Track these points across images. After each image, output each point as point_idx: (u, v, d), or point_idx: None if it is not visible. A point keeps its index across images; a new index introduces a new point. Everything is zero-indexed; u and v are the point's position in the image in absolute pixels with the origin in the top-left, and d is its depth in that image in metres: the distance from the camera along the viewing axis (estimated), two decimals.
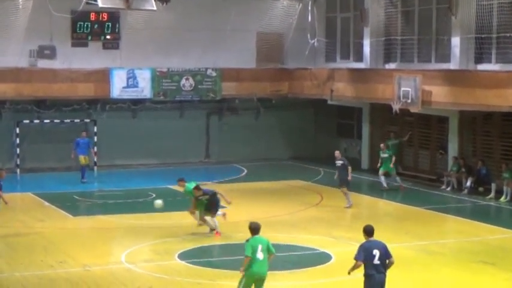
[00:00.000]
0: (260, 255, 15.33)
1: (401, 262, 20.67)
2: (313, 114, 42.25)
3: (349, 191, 28.94)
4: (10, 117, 38.04)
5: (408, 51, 37.13)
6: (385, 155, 33.08)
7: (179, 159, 39.92)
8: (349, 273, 15.30)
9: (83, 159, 35.45)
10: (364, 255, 14.97)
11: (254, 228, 15.66)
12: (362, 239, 21.13)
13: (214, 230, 24.13)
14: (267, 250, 15.47)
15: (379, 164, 33.40)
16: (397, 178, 32.80)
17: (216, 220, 24.17)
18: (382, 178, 32.74)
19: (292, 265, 20.60)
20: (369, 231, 15.34)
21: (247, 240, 15.43)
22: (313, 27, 41.72)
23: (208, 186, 33.64)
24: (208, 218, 24.12)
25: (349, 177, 28.82)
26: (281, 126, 42.11)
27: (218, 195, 24.59)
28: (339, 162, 29.40)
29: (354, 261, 14.96)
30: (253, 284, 15.63)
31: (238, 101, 41.44)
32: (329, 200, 29.97)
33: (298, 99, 41.23)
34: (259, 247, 15.28)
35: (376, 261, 14.99)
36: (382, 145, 33.76)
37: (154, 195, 31.28)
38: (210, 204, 24.06)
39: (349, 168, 28.94)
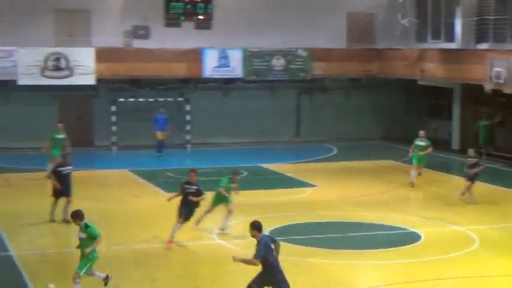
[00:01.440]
0: None
1: (490, 243, 20.82)
2: (403, 95, 41.98)
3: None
4: (106, 96, 38.59)
5: (501, 31, 36.60)
6: (422, 144, 29.58)
7: (270, 138, 40.17)
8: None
9: (159, 134, 36.11)
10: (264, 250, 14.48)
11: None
12: (452, 219, 21.32)
13: None
14: None
15: (410, 153, 29.82)
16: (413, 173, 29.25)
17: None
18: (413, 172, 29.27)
19: (381, 244, 20.65)
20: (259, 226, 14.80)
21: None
22: (404, 7, 41.41)
23: (296, 165, 34.05)
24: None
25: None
26: (371, 106, 41.99)
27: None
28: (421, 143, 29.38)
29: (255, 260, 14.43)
30: None
31: (328, 81, 41.43)
32: (419, 180, 29.87)
33: (389, 79, 41.02)
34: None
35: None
36: (421, 132, 30.31)
37: (245, 173, 31.59)
38: None
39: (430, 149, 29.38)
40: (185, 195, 20.18)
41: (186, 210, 20.13)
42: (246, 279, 17.47)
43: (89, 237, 15.57)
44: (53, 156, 28.98)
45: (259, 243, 14.40)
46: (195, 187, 20.16)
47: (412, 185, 28.52)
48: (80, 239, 15.62)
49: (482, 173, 31.67)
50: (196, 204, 20.53)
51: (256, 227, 14.69)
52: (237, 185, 22.84)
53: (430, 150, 29.27)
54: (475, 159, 26.54)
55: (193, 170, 20.69)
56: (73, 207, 22.31)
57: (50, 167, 26.78)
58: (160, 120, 36.70)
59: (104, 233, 21.79)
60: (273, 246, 14.66)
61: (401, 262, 19.18)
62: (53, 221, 22.52)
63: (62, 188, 22.59)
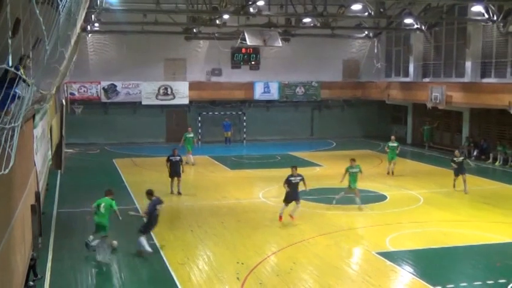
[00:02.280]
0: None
1: (430, 201, 20.67)
2: (377, 110, 41.68)
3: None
4: (195, 111, 38.68)
5: (437, 70, 36.42)
6: (394, 145, 26.12)
7: (294, 136, 40.07)
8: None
9: (226, 133, 36.83)
10: None
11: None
12: (406, 186, 21.20)
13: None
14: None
15: (386, 149, 26.66)
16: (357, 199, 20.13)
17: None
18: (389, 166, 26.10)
19: (363, 201, 20.20)
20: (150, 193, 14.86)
21: None
22: (377, 56, 41.21)
23: (310, 153, 34.01)
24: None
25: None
26: (357, 117, 41.67)
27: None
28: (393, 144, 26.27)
29: None
30: None
31: (330, 102, 41.17)
32: (386, 163, 29.65)
33: (368, 100, 40.70)
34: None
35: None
36: (392, 136, 27.35)
37: (279, 158, 31.62)
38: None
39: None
40: (292, 185, 17.57)
41: (295, 194, 17.64)
42: (276, 222, 17.65)
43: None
44: (187, 149, 28.60)
45: (149, 204, 14.72)
46: (299, 177, 17.67)
47: (388, 174, 25.67)
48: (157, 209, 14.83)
49: (430, 158, 31.63)
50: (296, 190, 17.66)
51: (148, 193, 14.94)
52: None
53: (399, 150, 26.41)
54: (461, 158, 22.77)
55: (294, 166, 18.20)
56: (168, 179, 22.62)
57: (185, 158, 26.40)
58: (226, 125, 37.09)
59: (193, 194, 22.26)
60: (159, 206, 14.77)
61: (376, 212, 19.22)
62: (171, 193, 21.75)
63: (174, 171, 21.69)
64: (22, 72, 5.84)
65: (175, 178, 21.81)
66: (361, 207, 19.35)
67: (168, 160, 21.78)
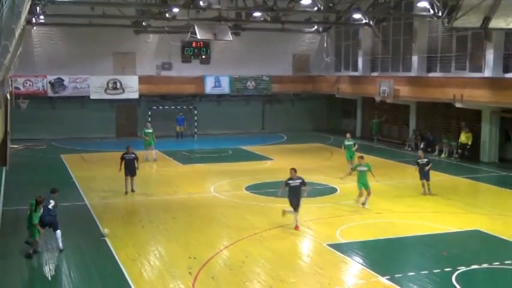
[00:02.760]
0: None
1: (378, 193, 20.89)
2: (327, 103, 42.02)
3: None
4: (145, 105, 38.27)
5: (385, 64, 36.97)
6: (349, 143, 25.32)
7: (245, 130, 40.02)
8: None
9: (178, 128, 36.66)
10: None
11: None
12: (356, 178, 21.45)
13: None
14: None
15: (343, 150, 25.81)
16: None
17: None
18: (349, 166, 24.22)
19: (312, 194, 20.24)
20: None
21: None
22: (327, 50, 41.67)
23: (261, 147, 34.07)
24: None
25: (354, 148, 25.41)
26: (307, 110, 41.88)
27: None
28: (349, 142, 25.33)
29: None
30: None
31: (281, 95, 41.28)
32: (336, 156, 30.01)
33: (318, 94, 40.96)
34: None
35: None
36: (348, 134, 26.02)
37: (230, 152, 31.56)
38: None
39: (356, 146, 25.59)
40: (292, 188, 16.49)
41: (296, 200, 16.51)
42: (228, 216, 17.67)
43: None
44: (146, 145, 28.28)
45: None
46: (298, 180, 16.50)
47: (349, 173, 21.20)
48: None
49: (379, 151, 32.02)
50: (301, 195, 16.61)
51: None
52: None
53: (356, 147, 25.39)
54: (425, 159, 21.01)
55: (293, 168, 16.74)
56: (122, 174, 22.30)
57: (144, 153, 26.44)
58: (180, 119, 36.76)
59: (143, 190, 21.98)
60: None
61: (326, 205, 19.40)
62: (126, 193, 20.85)
63: (129, 170, 20.75)
64: None
65: (129, 177, 20.94)
66: (365, 207, 18.63)
67: (123, 158, 20.89)
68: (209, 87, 39.04)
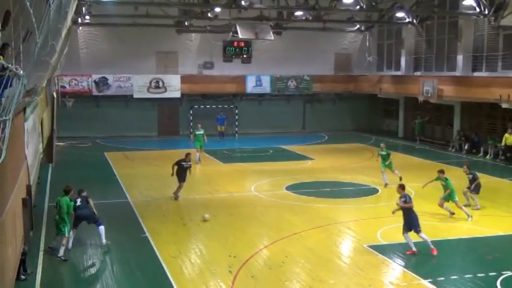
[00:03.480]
0: None
1: (421, 194, 20.43)
2: (368, 103, 41.70)
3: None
4: (187, 104, 38.55)
5: (429, 64, 36.50)
6: (383, 153, 22.79)
7: (286, 129, 40.01)
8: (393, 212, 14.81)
9: (219, 128, 36.45)
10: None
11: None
12: (397, 180, 21.20)
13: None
14: None
15: (377, 159, 23.38)
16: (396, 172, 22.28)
17: None
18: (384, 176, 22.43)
19: (355, 195, 20.70)
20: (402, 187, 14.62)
21: None
22: (369, 49, 41.36)
23: (302, 146, 33.99)
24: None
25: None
26: (348, 110, 41.69)
27: None
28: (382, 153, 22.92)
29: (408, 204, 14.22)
30: None
31: (322, 95, 41.13)
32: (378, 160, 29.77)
33: (360, 93, 40.69)
34: None
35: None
36: (382, 144, 23.82)
37: (271, 151, 31.62)
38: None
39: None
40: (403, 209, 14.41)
41: (408, 223, 14.36)
42: (267, 216, 17.70)
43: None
44: (195, 146, 27.82)
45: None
46: (402, 199, 14.57)
47: (385, 185, 21.85)
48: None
49: (421, 151, 31.48)
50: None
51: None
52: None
53: (391, 158, 22.74)
54: (470, 175, 19.13)
55: (400, 185, 15.01)
56: (163, 172, 22.55)
57: (197, 155, 26.61)
58: (220, 118, 36.86)
59: (184, 188, 22.17)
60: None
61: (367, 206, 19.24)
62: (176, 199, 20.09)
63: (183, 177, 19.84)
64: (1, 59, 5.80)
65: (182, 183, 19.97)
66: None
67: (178, 164, 19.86)
68: (250, 86, 39.12)
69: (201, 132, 28.16)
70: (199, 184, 22.90)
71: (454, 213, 17.67)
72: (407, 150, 32.70)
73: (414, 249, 14.11)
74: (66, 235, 13.83)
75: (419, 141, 35.38)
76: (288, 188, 21.82)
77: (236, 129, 39.07)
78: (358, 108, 41.92)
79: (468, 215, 17.43)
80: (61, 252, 13.56)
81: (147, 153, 31.13)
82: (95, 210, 14.61)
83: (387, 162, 22.41)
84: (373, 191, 21.52)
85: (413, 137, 36.21)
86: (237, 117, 39.20)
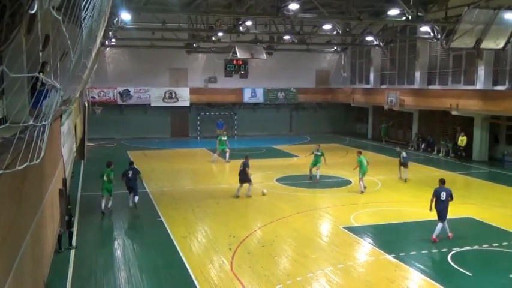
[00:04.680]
0: None
1: (386, 185, 20.61)
2: (344, 111, 41.66)
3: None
4: (195, 112, 38.39)
5: (392, 79, 36.48)
6: (318, 154, 21.61)
7: (276, 132, 39.95)
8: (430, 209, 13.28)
9: (218, 131, 35.30)
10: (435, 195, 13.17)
11: None
12: (368, 173, 21.17)
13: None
14: None
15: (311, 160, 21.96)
16: (318, 172, 21.43)
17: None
18: (315, 172, 21.55)
19: (333, 185, 20.66)
20: (442, 181, 13.42)
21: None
22: (344, 67, 41.32)
23: (289, 146, 33.92)
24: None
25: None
26: (327, 116, 41.66)
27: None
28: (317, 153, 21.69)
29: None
30: None
31: (306, 104, 41.04)
32: (350, 154, 29.68)
33: (336, 103, 40.63)
34: None
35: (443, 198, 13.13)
36: (318, 145, 22.56)
37: (264, 150, 31.51)
38: None
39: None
40: (440, 201, 13.41)
41: (443, 213, 13.41)
42: (261, 203, 17.66)
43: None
44: (219, 150, 26.86)
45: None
46: (445, 192, 13.41)
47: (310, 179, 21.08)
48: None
49: (386, 150, 31.49)
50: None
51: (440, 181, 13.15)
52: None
53: (323, 159, 21.59)
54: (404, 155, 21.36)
55: (441, 179, 13.72)
56: (176, 167, 22.39)
57: (214, 157, 26.41)
58: (219, 124, 36.46)
59: (193, 180, 22.13)
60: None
61: (342, 195, 19.16)
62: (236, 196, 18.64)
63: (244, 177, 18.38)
64: (42, 75, 5.81)
65: (243, 184, 18.65)
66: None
67: (244, 166, 18.60)
68: (247, 97, 39.09)
69: (225, 138, 27.41)
70: (205, 177, 22.81)
71: (364, 190, 18.78)
72: (375, 149, 32.68)
73: (450, 233, 13.38)
74: (103, 194, 16.07)
75: (384, 141, 35.35)
76: (278, 180, 21.78)
77: (235, 132, 38.99)
78: (335, 115, 41.92)
79: (362, 190, 18.83)
80: (102, 207, 15.86)
81: (162, 152, 31.06)
82: (142, 181, 17.73)
83: (318, 164, 21.23)
84: (347, 183, 21.47)
85: (380, 138, 36.20)
86: (236, 122, 39.16)
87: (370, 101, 36.59)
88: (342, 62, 41.43)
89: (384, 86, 36.99)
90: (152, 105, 36.83)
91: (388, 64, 36.90)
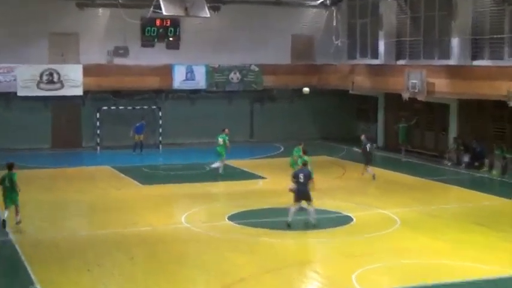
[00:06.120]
0: None
1: (409, 223, 20.90)
2: (338, 102, 41.85)
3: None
4: (92, 105, 38.03)
5: (415, 50, 36.91)
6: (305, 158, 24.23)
7: (229, 139, 39.78)
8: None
9: (137, 137, 36.13)
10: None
11: None
12: (379, 204, 21.44)
13: None
14: None
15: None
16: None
17: None
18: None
19: (318, 225, 20.58)
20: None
21: None
22: (337, 30, 41.72)
23: (250, 161, 33.99)
24: None
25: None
26: (312, 111, 41.76)
27: None
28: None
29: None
30: None
31: (276, 92, 41.25)
32: (351, 173, 29.92)
33: (326, 89, 40.69)
34: None
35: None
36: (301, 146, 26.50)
37: (208, 168, 31.40)
38: None
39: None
40: None
41: None
42: (204, 256, 17.60)
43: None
44: (220, 154, 29.51)
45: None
46: None
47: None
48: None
49: (408, 166, 31.99)
50: None
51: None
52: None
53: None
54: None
55: None
56: (61, 198, 22.04)
57: (218, 164, 29.20)
58: (139, 126, 36.45)
59: (89, 220, 21.87)
60: None
61: (337, 240, 19.28)
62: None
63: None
64: None
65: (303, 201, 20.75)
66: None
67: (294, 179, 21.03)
68: (179, 80, 39.03)
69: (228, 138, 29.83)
70: (110, 214, 22.59)
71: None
72: (389, 165, 32.95)
73: None
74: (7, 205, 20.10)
75: (404, 152, 35.46)
76: (231, 218, 21.73)
77: (160, 138, 38.74)
78: (323, 108, 42.09)
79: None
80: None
81: (37, 172, 30.49)
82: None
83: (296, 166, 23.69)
84: (346, 220, 21.51)
85: (396, 147, 36.40)
86: (160, 121, 38.88)
87: (380, 85, 36.93)
88: (334, 23, 41.79)
89: (401, 62, 37.38)
90: (19, 94, 36.30)
91: (407, 26, 37.33)
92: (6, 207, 19.83)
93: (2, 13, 35.98)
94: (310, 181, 20.56)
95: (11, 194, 19.91)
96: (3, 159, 33.23)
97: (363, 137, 29.50)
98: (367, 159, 28.76)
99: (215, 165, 29.80)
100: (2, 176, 20.17)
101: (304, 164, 21.63)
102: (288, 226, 19.94)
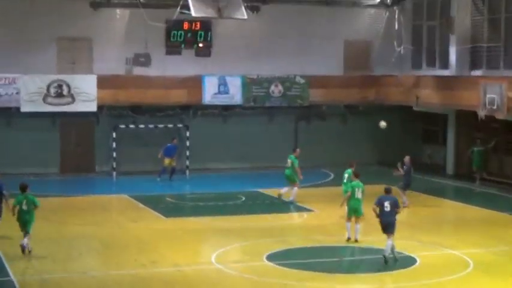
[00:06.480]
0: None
1: (484, 266, 20.62)
2: (399, 120, 41.56)
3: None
4: (107, 123, 38.38)
5: (494, 58, 36.67)
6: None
7: (268, 163, 39.66)
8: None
9: (168, 161, 36.21)
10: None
11: None
12: (448, 243, 20.95)
13: None
14: None
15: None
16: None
17: None
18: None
19: (378, 268, 20.63)
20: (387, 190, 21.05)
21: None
22: (399, 35, 41.63)
23: (294, 191, 33.73)
24: None
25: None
26: (368, 131, 41.52)
27: None
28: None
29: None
30: None
31: (325, 108, 41.21)
32: (414, 205, 29.58)
33: (385, 105, 40.76)
34: None
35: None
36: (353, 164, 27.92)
37: (243, 198, 31.41)
38: None
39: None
40: None
41: None
42: None
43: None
44: (291, 180, 30.68)
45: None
46: None
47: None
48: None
49: (484, 197, 31.61)
50: None
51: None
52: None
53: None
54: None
55: None
56: (70, 232, 21.91)
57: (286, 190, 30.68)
58: (171, 148, 36.48)
59: (102, 258, 21.69)
60: None
61: (398, 286, 19.43)
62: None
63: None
64: None
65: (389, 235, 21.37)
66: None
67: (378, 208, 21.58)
68: (209, 93, 39.12)
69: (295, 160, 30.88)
70: (127, 252, 22.70)
71: None
72: (461, 196, 33.04)
73: None
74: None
75: (480, 180, 35.22)
76: (271, 258, 21.62)
77: (187, 162, 38.89)
78: (383, 129, 41.62)
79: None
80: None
81: (43, 201, 30.05)
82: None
83: (359, 214, 24.03)
84: (408, 261, 21.27)
85: (470, 175, 36.20)
86: (188, 143, 38.96)
87: (451, 101, 36.51)
88: (396, 26, 41.54)
89: (476, 73, 36.99)
90: (23, 110, 36.69)
91: (484, 30, 36.96)
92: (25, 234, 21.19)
93: (2, 13, 36.48)
94: (397, 210, 21.03)
95: (27, 217, 21.89)
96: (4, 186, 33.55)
97: (407, 159, 30.44)
98: (407, 185, 29.78)
99: (283, 190, 30.82)
100: (17, 199, 21.86)
101: (387, 191, 21.69)
102: (385, 262, 20.41)
